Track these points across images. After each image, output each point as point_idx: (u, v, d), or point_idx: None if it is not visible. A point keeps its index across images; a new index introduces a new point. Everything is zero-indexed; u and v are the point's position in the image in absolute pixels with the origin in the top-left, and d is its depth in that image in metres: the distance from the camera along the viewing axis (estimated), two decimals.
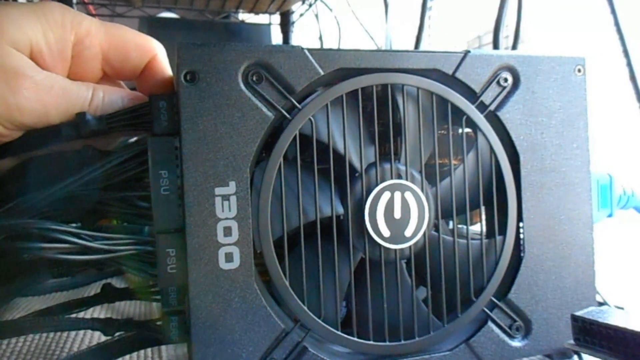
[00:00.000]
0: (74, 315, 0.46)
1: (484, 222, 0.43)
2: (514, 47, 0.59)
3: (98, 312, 0.56)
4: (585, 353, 0.33)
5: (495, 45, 0.57)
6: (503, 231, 0.41)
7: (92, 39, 0.38)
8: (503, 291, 0.42)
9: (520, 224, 0.42)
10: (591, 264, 0.43)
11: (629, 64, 0.60)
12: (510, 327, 0.41)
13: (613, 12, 0.62)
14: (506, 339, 0.41)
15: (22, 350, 0.50)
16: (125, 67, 0.40)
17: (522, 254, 0.42)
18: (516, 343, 0.41)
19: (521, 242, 0.42)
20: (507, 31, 0.58)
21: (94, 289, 0.49)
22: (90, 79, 0.39)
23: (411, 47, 0.69)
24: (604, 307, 0.40)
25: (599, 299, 0.48)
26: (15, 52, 0.35)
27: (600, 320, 0.33)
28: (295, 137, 0.37)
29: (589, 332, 0.33)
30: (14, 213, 0.35)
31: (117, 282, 0.62)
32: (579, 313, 0.34)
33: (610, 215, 0.47)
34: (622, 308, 0.48)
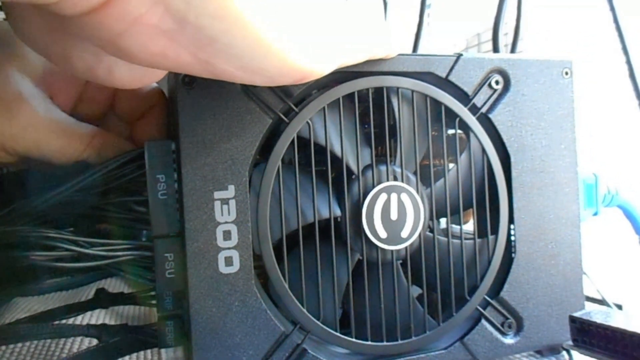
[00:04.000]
0: (71, 321, 0.43)
1: (476, 222, 0.40)
2: (514, 45, 0.56)
3: (97, 314, 0.53)
4: (584, 354, 0.31)
5: (495, 43, 0.54)
6: (495, 231, 0.39)
7: None
8: (495, 290, 0.39)
9: (511, 225, 0.40)
10: (579, 262, 0.41)
11: (629, 62, 0.58)
12: (502, 325, 0.39)
13: (612, 9, 0.60)
14: (499, 336, 0.39)
15: (21, 351, 0.46)
16: (129, 110, 0.37)
17: (513, 253, 0.40)
18: (508, 340, 0.39)
19: (512, 241, 0.40)
20: (506, 29, 0.56)
21: (92, 290, 0.46)
22: (99, 108, 0.36)
23: (410, 46, 0.67)
24: (601, 308, 0.38)
25: (598, 297, 0.45)
26: (20, 78, 0.31)
27: (598, 321, 0.30)
28: (293, 140, 0.34)
29: (587, 333, 0.31)
30: (10, 219, 0.32)
31: (117, 282, 0.59)
32: (576, 314, 0.31)
33: (595, 214, 0.44)
34: (620, 306, 0.46)
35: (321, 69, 0.28)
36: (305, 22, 0.26)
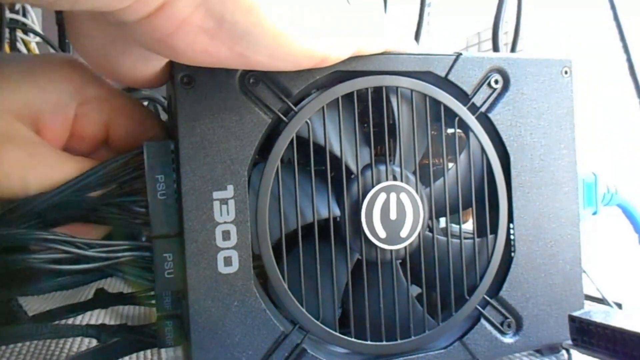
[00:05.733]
0: (70, 321, 0.43)
1: (475, 221, 0.40)
2: (514, 44, 0.56)
3: (97, 314, 0.53)
4: (583, 353, 0.31)
5: (495, 42, 0.54)
6: (494, 230, 0.39)
7: (102, 103, 0.34)
8: (495, 289, 0.39)
9: (511, 224, 0.39)
10: (578, 261, 0.41)
11: (629, 59, 0.58)
12: (502, 324, 0.39)
13: (613, 7, 0.59)
14: (498, 335, 0.39)
15: (21, 351, 0.46)
16: (124, 140, 0.35)
17: (512, 252, 0.39)
18: (508, 339, 0.39)
19: (512, 240, 0.40)
20: (506, 27, 0.55)
21: (92, 290, 0.46)
22: (91, 142, 0.35)
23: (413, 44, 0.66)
24: (600, 307, 0.38)
25: (597, 295, 0.45)
26: (5, 117, 0.30)
27: (597, 320, 0.30)
28: (292, 140, 0.34)
29: (587, 332, 0.31)
30: (7, 221, 0.32)
31: (117, 283, 0.59)
32: (576, 313, 0.31)
33: (595, 213, 0.44)
34: (620, 304, 0.46)
35: (337, 54, 0.32)
36: (316, 15, 0.30)
